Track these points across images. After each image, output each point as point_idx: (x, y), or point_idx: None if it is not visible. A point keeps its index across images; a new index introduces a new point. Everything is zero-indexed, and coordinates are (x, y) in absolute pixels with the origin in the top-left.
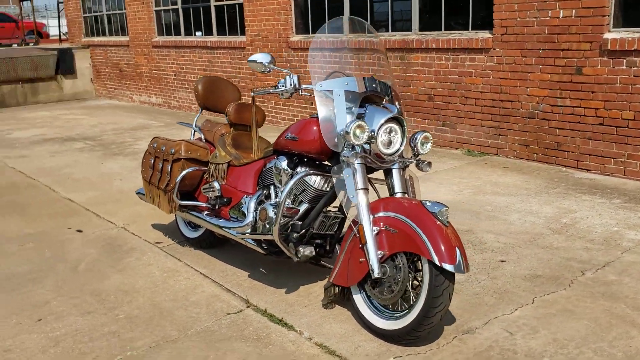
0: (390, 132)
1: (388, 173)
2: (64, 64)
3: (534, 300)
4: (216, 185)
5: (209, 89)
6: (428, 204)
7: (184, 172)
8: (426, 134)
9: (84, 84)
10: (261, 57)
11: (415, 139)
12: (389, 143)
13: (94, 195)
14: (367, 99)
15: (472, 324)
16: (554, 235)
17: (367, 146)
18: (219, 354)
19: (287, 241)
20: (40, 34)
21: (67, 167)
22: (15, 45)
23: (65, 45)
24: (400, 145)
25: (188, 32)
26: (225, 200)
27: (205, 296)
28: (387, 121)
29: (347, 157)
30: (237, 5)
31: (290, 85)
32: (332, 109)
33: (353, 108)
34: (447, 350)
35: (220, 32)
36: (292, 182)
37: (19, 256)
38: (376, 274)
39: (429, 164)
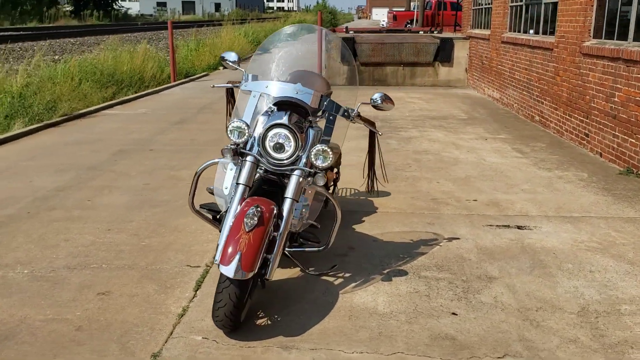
0: (282, 138)
1: (288, 178)
2: (443, 52)
3: None
4: None
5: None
6: (249, 209)
7: None
8: (321, 147)
9: (457, 72)
10: (230, 56)
11: (311, 151)
12: (279, 148)
13: None
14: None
15: None
16: None
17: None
18: None
19: None
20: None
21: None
22: (422, 32)
23: (447, 35)
24: (293, 152)
25: (524, 29)
26: None
27: None
28: (274, 126)
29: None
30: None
31: (245, 81)
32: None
33: (265, 109)
34: None
35: (544, 31)
36: None
37: None
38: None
39: (321, 177)
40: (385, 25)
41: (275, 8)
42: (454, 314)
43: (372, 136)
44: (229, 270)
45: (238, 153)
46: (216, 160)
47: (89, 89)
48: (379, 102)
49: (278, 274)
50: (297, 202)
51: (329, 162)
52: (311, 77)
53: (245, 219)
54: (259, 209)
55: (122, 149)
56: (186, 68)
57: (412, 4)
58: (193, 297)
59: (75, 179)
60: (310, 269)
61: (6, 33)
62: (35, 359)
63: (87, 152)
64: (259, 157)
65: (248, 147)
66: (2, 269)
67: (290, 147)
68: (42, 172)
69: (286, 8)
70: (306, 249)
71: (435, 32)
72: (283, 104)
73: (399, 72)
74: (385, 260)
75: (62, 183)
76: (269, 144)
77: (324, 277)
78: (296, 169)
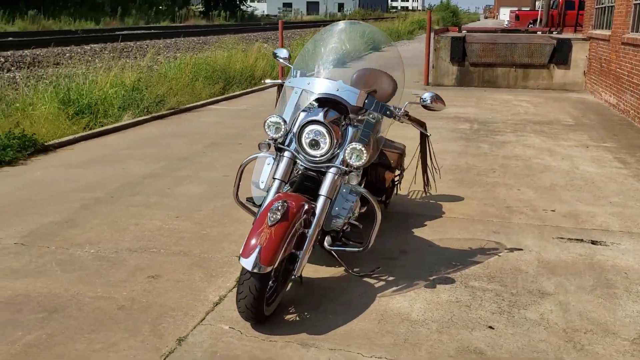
0: (318, 134)
1: (325, 175)
2: (559, 54)
3: None
4: None
5: (361, 79)
6: (275, 203)
7: None
8: (355, 145)
9: (574, 75)
10: (282, 53)
11: (345, 149)
12: (315, 144)
13: None
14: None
15: None
16: None
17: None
18: None
19: None
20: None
21: None
22: (540, 32)
23: (566, 35)
24: (328, 150)
25: None
26: None
27: None
28: (310, 123)
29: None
30: None
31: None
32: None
33: (305, 105)
34: None
35: None
36: None
37: None
38: None
39: (355, 176)
40: (507, 25)
41: (399, 8)
42: (490, 327)
43: (423, 138)
44: (248, 263)
45: (276, 148)
46: (257, 155)
47: (201, 84)
48: (429, 101)
49: (321, 271)
50: (331, 199)
51: (363, 160)
52: (375, 75)
53: (269, 213)
54: (285, 203)
55: (214, 141)
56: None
57: (537, 3)
58: (233, 287)
59: (164, 168)
60: (355, 269)
61: (138, 32)
62: (75, 333)
63: (182, 143)
64: (295, 153)
65: (287, 142)
66: (72, 247)
67: (325, 144)
68: (137, 160)
69: (410, 7)
70: (347, 249)
71: (554, 32)
72: (324, 101)
73: (510, 73)
74: (435, 266)
75: (151, 171)
76: (305, 141)
77: (366, 279)
78: (332, 166)
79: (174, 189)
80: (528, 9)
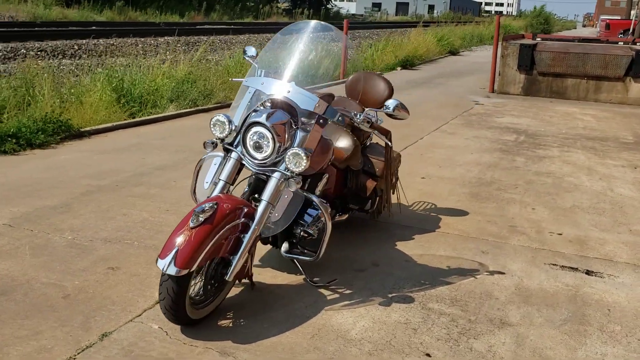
0: (261, 137)
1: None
2: (637, 66)
3: None
4: None
5: (356, 82)
6: (201, 205)
7: None
8: (296, 150)
9: None
10: (250, 51)
11: (286, 152)
12: (259, 147)
13: None
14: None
15: None
16: None
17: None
18: None
19: None
20: None
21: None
22: (621, 43)
23: None
24: (270, 154)
25: None
26: None
27: None
28: (254, 125)
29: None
30: None
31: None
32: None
33: (257, 105)
34: None
35: None
36: None
37: None
38: None
39: (294, 183)
40: (598, 35)
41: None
42: (427, 354)
43: (387, 148)
44: (162, 264)
45: (224, 148)
46: (209, 154)
47: None
48: (391, 109)
49: (280, 278)
50: (273, 205)
51: (302, 167)
52: (370, 79)
53: (192, 215)
54: (215, 205)
55: None
56: (363, 67)
57: (632, 12)
58: None
59: (182, 160)
60: (315, 278)
61: (217, 27)
62: (9, 317)
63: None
64: (242, 155)
65: (235, 143)
66: (53, 232)
67: (268, 147)
68: (161, 151)
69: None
70: (300, 257)
71: (638, 43)
72: (278, 102)
73: (581, 85)
74: (401, 283)
75: (168, 162)
76: (249, 143)
77: (322, 290)
78: (275, 170)
79: (180, 182)
80: (619, 17)
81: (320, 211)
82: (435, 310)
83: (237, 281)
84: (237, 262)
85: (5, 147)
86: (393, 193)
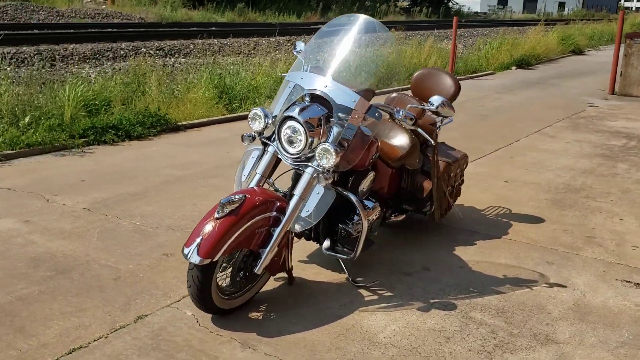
0: (294, 131)
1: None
2: None
3: None
4: None
5: (422, 79)
6: (229, 197)
7: None
8: (325, 146)
9: None
10: (299, 46)
11: (315, 149)
12: (292, 141)
13: None
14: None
15: None
16: None
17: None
18: None
19: None
20: None
21: None
22: None
23: None
24: (303, 148)
25: None
26: None
27: None
28: (288, 119)
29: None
30: None
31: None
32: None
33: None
34: None
35: None
36: None
37: None
38: None
39: (323, 178)
40: None
41: (633, 8)
42: None
43: (432, 149)
44: (186, 252)
45: (262, 142)
46: (251, 148)
47: None
48: (434, 107)
49: (322, 275)
50: (305, 200)
51: (331, 163)
52: (433, 75)
53: (219, 205)
54: (243, 197)
55: None
56: (476, 65)
57: None
58: None
59: None
60: (358, 278)
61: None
62: (61, 294)
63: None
64: (277, 149)
65: (273, 137)
66: (125, 217)
67: (300, 142)
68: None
69: None
70: (336, 255)
71: None
72: (316, 97)
73: None
74: (447, 289)
75: None
76: (283, 137)
77: (362, 290)
78: (308, 165)
79: None
80: None
81: (368, 209)
82: (476, 319)
83: (273, 275)
84: (266, 255)
85: (105, 138)
86: (451, 197)
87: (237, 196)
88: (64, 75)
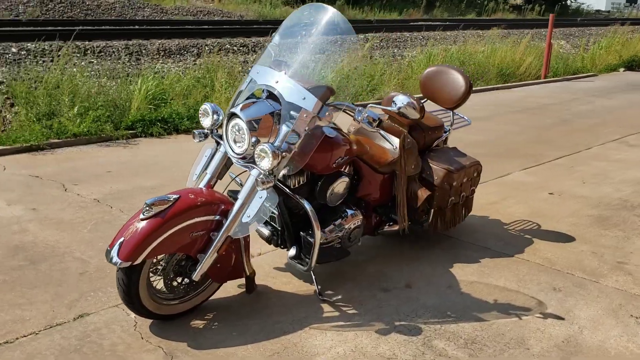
0: (239, 129)
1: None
2: None
3: None
4: None
5: (431, 78)
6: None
7: None
8: (263, 146)
9: None
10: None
11: (253, 149)
12: (236, 140)
13: None
14: None
15: None
16: None
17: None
18: None
19: None
20: None
21: None
22: None
23: None
24: (247, 147)
25: None
26: None
27: None
28: (233, 116)
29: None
30: None
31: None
32: None
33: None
34: None
35: None
36: None
37: None
38: None
39: (261, 182)
40: None
41: None
42: None
43: (401, 151)
44: (108, 254)
45: (215, 141)
46: (206, 146)
47: None
48: (395, 108)
49: (291, 285)
50: (248, 204)
51: (266, 165)
52: (443, 73)
53: (144, 206)
54: (174, 198)
55: None
56: (578, 67)
57: None
58: None
59: None
60: (327, 292)
61: (429, 23)
62: (22, 284)
63: None
64: (226, 148)
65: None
66: (128, 210)
67: (243, 141)
68: None
69: None
70: (297, 265)
71: None
72: (271, 93)
73: None
74: (421, 311)
75: None
76: (230, 135)
77: (326, 305)
78: (253, 167)
79: None
80: None
81: (344, 217)
82: (436, 349)
83: (220, 283)
84: (204, 262)
85: (152, 130)
86: (454, 209)
87: (171, 196)
88: (146, 69)
